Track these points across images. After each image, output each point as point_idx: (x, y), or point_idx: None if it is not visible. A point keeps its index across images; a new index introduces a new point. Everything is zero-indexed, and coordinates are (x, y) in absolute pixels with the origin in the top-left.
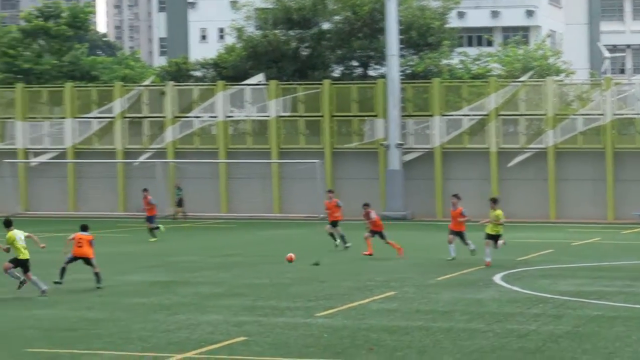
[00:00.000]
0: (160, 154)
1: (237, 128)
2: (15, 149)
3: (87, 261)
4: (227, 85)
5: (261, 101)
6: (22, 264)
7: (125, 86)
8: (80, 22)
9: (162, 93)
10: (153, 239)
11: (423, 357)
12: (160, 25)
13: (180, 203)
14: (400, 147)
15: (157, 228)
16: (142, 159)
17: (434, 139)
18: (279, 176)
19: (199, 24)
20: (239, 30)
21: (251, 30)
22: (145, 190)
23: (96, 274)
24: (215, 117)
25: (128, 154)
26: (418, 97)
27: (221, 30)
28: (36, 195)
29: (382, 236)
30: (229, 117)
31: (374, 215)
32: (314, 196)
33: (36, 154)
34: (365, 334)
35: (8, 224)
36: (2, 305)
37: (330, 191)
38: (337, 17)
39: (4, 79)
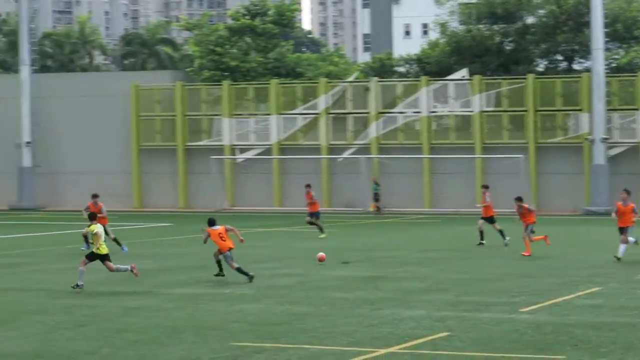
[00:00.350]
0: (364, 149)
1: (441, 123)
2: (222, 145)
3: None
4: (430, 80)
5: (465, 96)
6: (102, 258)
7: (329, 82)
8: (286, 19)
9: (366, 89)
10: (322, 235)
11: (628, 354)
12: (364, 21)
13: (376, 198)
14: (606, 142)
15: (317, 227)
16: (346, 154)
17: None
18: (483, 171)
19: (403, 20)
20: (443, 26)
21: (455, 25)
22: (308, 185)
23: (238, 269)
24: (419, 112)
25: (332, 149)
26: (623, 90)
27: (425, 25)
28: (242, 190)
29: (531, 230)
30: (433, 112)
31: (532, 208)
32: (518, 191)
33: (242, 150)
34: (569, 330)
35: (92, 217)
36: (209, 300)
37: (485, 186)
38: (541, 11)
39: (211, 77)
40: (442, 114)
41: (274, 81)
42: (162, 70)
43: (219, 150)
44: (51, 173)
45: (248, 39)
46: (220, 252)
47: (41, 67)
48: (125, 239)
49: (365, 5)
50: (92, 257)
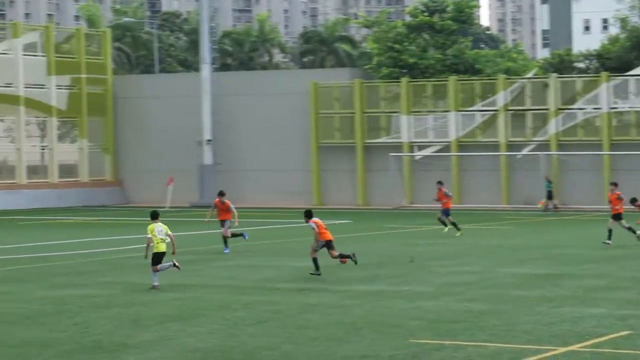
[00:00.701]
0: (543, 146)
1: (621, 119)
2: (401, 142)
3: (330, 245)
4: (611, 76)
5: None
6: (159, 257)
7: (508, 79)
8: (464, 16)
9: (545, 85)
10: (459, 233)
11: None
12: (543, 17)
13: (549, 195)
14: None
15: (442, 223)
16: (525, 151)
17: None
18: None
19: (582, 15)
20: (623, 21)
21: (635, 20)
22: (440, 182)
23: (339, 256)
24: (599, 108)
25: (511, 146)
26: None
27: (605, 20)
28: (420, 188)
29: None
30: (613, 108)
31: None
32: None
33: (420, 148)
34: None
35: (154, 216)
36: (388, 297)
37: (613, 184)
38: None
39: (389, 74)
40: (623, 110)
41: (453, 78)
42: (341, 67)
43: (398, 147)
44: (231, 170)
45: (426, 36)
46: (320, 243)
47: (221, 65)
48: (305, 237)
49: (544, 1)
50: (156, 257)
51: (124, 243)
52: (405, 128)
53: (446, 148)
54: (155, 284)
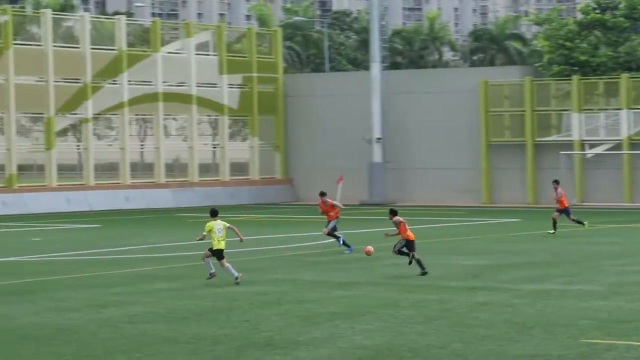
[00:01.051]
0: None
1: None
2: (571, 140)
3: (411, 244)
4: None
5: None
6: (216, 254)
7: None
8: (637, 13)
9: None
10: (552, 232)
11: None
12: None
13: None
14: None
15: (582, 223)
16: None
17: None
18: None
19: None
20: None
21: None
22: (556, 182)
23: (418, 261)
24: None
25: None
26: None
27: None
28: (591, 186)
29: None
30: None
31: None
32: None
33: (591, 146)
34: None
35: (214, 214)
36: (558, 296)
37: None
38: None
39: (560, 71)
40: None
41: (625, 75)
42: (511, 65)
43: (568, 145)
44: (400, 169)
45: (598, 33)
46: (402, 242)
47: (391, 63)
48: (473, 234)
49: None
50: (212, 251)
51: (295, 240)
52: (576, 126)
53: (618, 146)
54: (212, 270)
